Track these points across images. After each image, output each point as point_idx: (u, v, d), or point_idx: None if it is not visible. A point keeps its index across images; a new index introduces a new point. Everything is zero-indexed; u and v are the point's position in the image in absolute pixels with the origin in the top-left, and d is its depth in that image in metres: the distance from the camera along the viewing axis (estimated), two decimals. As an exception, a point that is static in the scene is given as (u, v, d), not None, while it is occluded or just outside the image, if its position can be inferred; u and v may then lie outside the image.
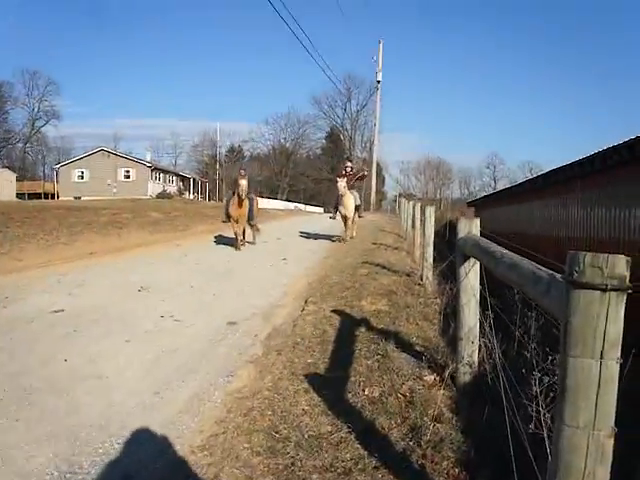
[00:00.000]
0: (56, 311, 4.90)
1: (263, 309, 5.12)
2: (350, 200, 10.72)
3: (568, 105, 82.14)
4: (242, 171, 9.92)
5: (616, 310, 1.16)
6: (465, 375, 2.95)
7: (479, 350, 2.98)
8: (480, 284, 2.99)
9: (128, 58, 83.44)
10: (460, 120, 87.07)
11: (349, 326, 4.28)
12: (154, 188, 36.41)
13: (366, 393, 2.97)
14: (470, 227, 2.92)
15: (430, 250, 6.55)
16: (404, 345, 3.81)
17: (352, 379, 3.19)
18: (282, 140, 61.76)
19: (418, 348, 3.77)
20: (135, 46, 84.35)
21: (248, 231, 10.68)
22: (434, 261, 6.56)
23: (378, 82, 36.27)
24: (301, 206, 49.99)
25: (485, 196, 23.96)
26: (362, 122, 59.10)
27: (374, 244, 10.91)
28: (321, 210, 48.15)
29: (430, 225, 6.73)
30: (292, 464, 2.26)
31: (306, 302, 5.25)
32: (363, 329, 4.18)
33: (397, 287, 5.87)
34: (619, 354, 1.17)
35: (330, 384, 3.14)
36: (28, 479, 2.19)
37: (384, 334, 4.00)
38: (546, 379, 1.87)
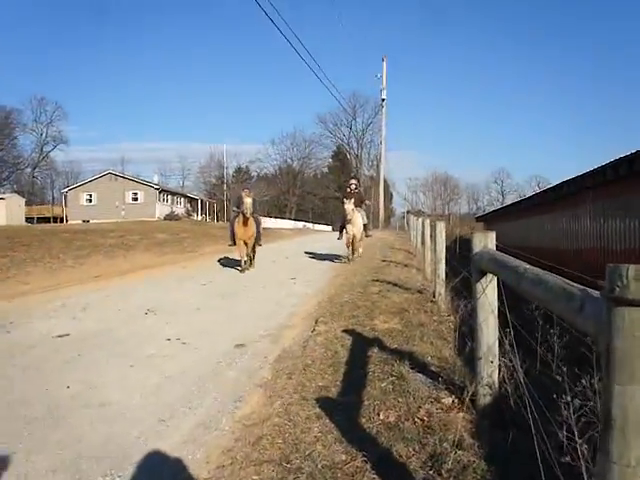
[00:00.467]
0: (60, 335, 4.82)
1: (272, 330, 5.04)
2: (359, 219, 10.65)
3: (575, 118, 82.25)
4: (246, 190, 9.79)
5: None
6: (485, 397, 2.80)
7: (499, 370, 2.84)
8: (498, 300, 2.86)
9: (134, 82, 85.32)
10: (466, 136, 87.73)
11: (361, 346, 4.19)
12: (162, 210, 36.61)
13: (381, 418, 2.82)
14: (486, 241, 2.81)
15: (442, 267, 6.45)
16: (419, 365, 3.67)
17: (366, 403, 3.06)
18: (289, 160, 62.38)
19: (434, 368, 3.63)
20: (142, 69, 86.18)
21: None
22: (446, 277, 6.47)
23: (383, 100, 36.57)
24: (309, 225, 50.09)
25: (494, 210, 23.81)
26: (368, 140, 59.65)
27: (384, 261, 10.89)
28: (330, 229, 48.21)
29: (441, 241, 6.63)
30: (305, 498, 2.12)
31: (316, 322, 5.17)
32: (376, 349, 4.08)
33: (409, 305, 5.82)
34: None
35: (343, 409, 3.01)
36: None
37: (398, 354, 3.88)
38: (577, 403, 1.73)
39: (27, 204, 37.29)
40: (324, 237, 24.60)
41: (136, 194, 37.92)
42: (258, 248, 10.40)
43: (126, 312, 5.93)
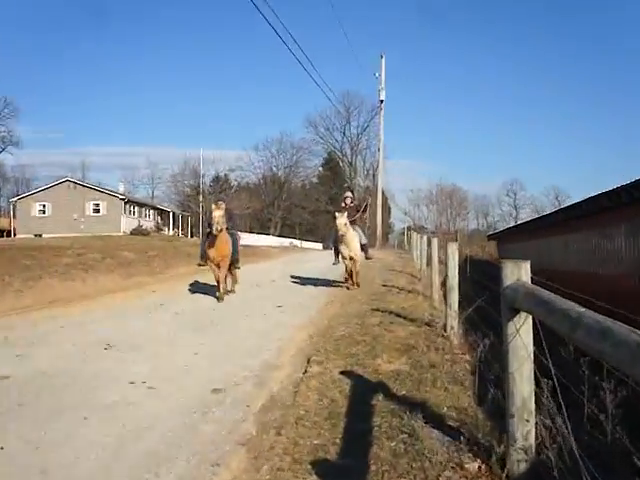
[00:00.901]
0: (-1, 378, 4.55)
1: (256, 371, 4.95)
2: (355, 239, 10.28)
3: (596, 126, 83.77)
4: (219, 202, 9.56)
5: None
6: (520, 464, 2.62)
7: (536, 429, 2.67)
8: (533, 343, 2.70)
9: (99, 76, 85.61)
10: (474, 143, 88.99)
11: (363, 393, 4.09)
12: (128, 223, 36.42)
13: (393, 489, 2.63)
14: (519, 273, 2.66)
15: (455, 295, 6.40)
16: (434, 419, 3.52)
17: (373, 468, 2.88)
18: (274, 168, 62.63)
19: (452, 423, 3.47)
20: (106, 67, 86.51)
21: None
22: (459, 307, 6.40)
23: (381, 101, 36.88)
24: (297, 242, 50.01)
25: (509, 228, 23.89)
26: (364, 146, 60.23)
27: (384, 286, 10.87)
28: (319, 246, 48.09)
29: (454, 265, 6.55)
30: None
31: (309, 362, 5.10)
32: (380, 396, 3.95)
33: (417, 340, 5.76)
34: None
35: (345, 475, 2.82)
36: None
37: (407, 403, 3.77)
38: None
39: (-32, 215, 36.85)
40: (314, 256, 24.51)
41: (98, 205, 37.71)
42: (238, 270, 10.20)
43: (82, 348, 5.73)
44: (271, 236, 51.33)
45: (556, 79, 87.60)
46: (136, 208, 40.47)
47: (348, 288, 10.51)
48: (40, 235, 31.87)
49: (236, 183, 62.78)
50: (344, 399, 3.95)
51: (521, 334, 2.61)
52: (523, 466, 2.61)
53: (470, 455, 2.96)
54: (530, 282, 2.69)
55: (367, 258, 11.35)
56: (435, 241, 9.87)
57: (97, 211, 37.70)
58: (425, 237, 13.08)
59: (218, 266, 9.27)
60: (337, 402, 3.89)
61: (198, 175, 54.15)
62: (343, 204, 11.03)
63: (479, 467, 2.80)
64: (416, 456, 2.98)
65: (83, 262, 12.70)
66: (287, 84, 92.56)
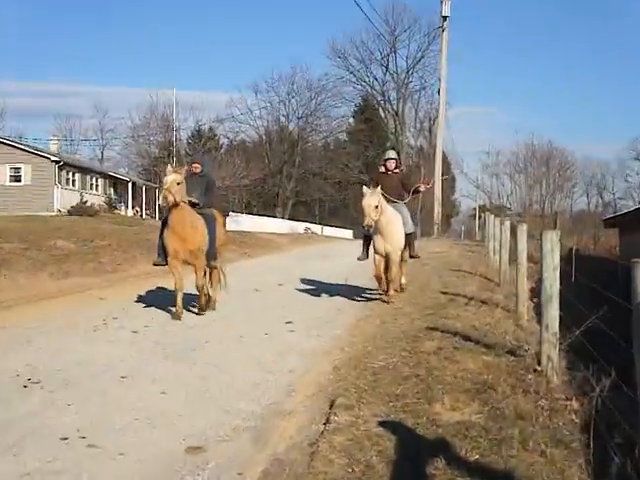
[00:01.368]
0: None
1: (253, 420, 4.97)
2: (395, 227, 10.10)
3: None
4: (193, 164, 9.66)
5: None
6: None
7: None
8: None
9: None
10: (584, 83, 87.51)
11: (414, 456, 4.06)
12: (65, 198, 36.55)
13: None
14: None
15: (554, 310, 6.22)
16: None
17: None
18: (283, 118, 62.61)
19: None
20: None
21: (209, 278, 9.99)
22: (560, 327, 6.21)
23: (444, 19, 36.54)
24: (315, 228, 50.12)
25: (638, 209, 23.39)
26: (416, 87, 59.80)
27: (445, 294, 10.92)
28: (349, 234, 48.14)
29: (552, 265, 6.33)
30: None
31: (332, 406, 5.10)
32: (441, 463, 3.90)
33: (495, 377, 5.71)
34: None
35: None
36: None
37: (483, 475, 3.76)
38: None
39: None
40: (340, 248, 24.50)
41: (18, 170, 37.71)
42: (217, 269, 10.05)
43: None
44: (278, 219, 51.58)
45: None
46: (77, 176, 40.48)
47: (385, 301, 10.42)
48: None
49: (226, 140, 63.06)
50: (385, 466, 3.94)
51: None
52: None
53: None
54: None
55: (411, 256, 11.20)
56: (523, 228, 9.67)
57: (17, 179, 37.35)
58: (507, 222, 12.85)
59: (175, 263, 9.07)
60: (375, 470, 3.89)
61: (170, 128, 54.56)
62: (383, 169, 10.90)
63: None
64: None
65: (-6, 256, 12.84)
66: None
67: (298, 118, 61.95)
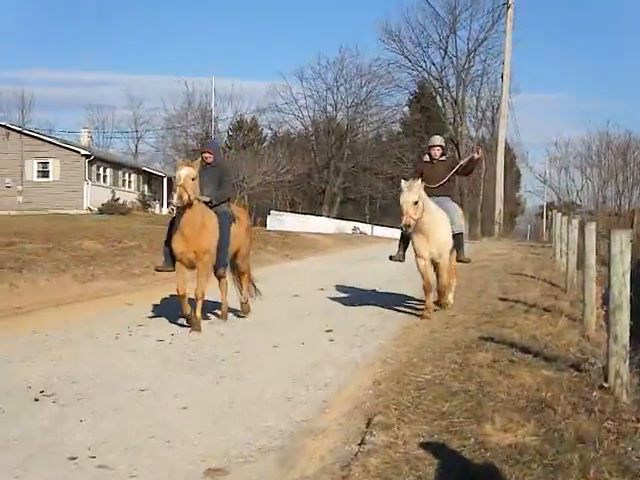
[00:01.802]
0: None
1: (281, 439, 4.98)
2: (440, 226, 9.62)
3: None
4: (204, 154, 9.27)
5: None
6: None
7: None
8: None
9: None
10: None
11: None
12: (96, 195, 37.08)
13: None
14: None
15: (623, 320, 6.07)
16: None
17: None
18: (330, 108, 62.45)
19: None
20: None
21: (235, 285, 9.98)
22: (631, 337, 6.10)
23: (508, -2, 36.14)
24: (365, 227, 50.00)
25: None
26: (477, 73, 59.18)
27: (503, 300, 10.76)
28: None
29: (622, 268, 6.14)
30: None
31: (369, 424, 5.09)
32: None
33: (554, 394, 5.61)
34: None
35: None
36: None
37: None
38: None
39: None
40: (391, 250, 24.21)
41: (46, 165, 38.42)
42: (246, 292, 9.95)
43: (3, 394, 5.84)
44: (324, 217, 51.57)
45: None
46: (109, 171, 41.13)
47: (422, 316, 9.70)
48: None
49: (269, 132, 63.07)
50: (423, 494, 3.89)
51: None
52: None
53: None
54: None
55: (459, 260, 10.54)
56: (592, 227, 9.40)
57: (45, 174, 38.18)
58: (575, 221, 12.56)
59: (181, 267, 8.83)
60: (411, 499, 3.84)
61: (207, 118, 54.87)
62: (427, 157, 10.42)
63: None
64: None
65: (16, 257, 12.90)
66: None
67: (347, 107, 61.67)
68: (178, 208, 8.39)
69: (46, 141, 39.45)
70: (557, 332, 8.18)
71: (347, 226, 47.75)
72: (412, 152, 56.11)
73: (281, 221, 41.76)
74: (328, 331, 8.74)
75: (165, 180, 45.15)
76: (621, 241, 6.25)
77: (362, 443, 4.67)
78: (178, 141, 57.85)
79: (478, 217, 52.54)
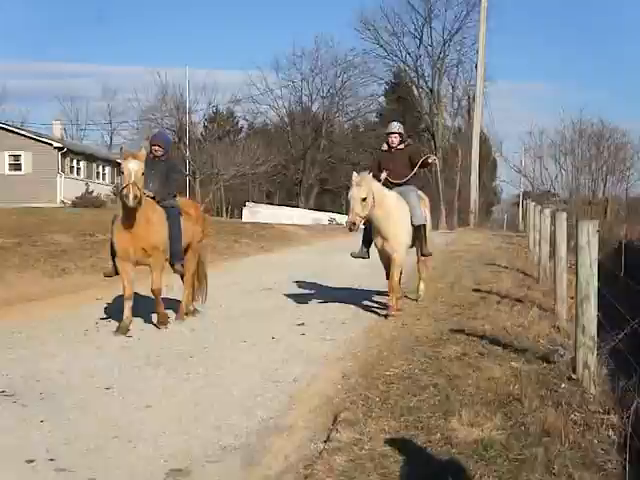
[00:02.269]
0: None
1: (246, 437, 4.96)
2: (395, 220, 9.08)
3: None
4: (154, 146, 8.77)
5: None
6: None
7: None
8: None
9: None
10: (636, 58, 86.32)
11: None
12: (69, 188, 36.79)
13: None
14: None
15: (591, 309, 6.10)
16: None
17: None
18: (306, 98, 62.36)
19: None
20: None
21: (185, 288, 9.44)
22: (599, 328, 6.19)
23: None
24: (342, 218, 49.90)
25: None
26: (453, 62, 59.26)
27: (477, 291, 10.99)
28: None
29: (589, 259, 6.16)
30: None
31: (336, 421, 5.08)
32: None
33: (522, 386, 5.65)
34: None
35: None
36: None
37: None
38: None
39: None
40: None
41: (18, 158, 38.12)
42: (198, 293, 9.71)
43: None
44: (301, 209, 51.55)
45: None
46: (82, 163, 40.92)
47: (386, 316, 9.20)
48: None
49: (245, 123, 62.98)
50: (392, 494, 3.86)
51: None
52: None
53: None
54: None
55: (423, 254, 10.08)
56: (562, 216, 9.41)
57: (17, 167, 37.95)
58: (547, 210, 12.61)
59: (131, 265, 8.36)
60: (374, 498, 3.82)
61: (181, 110, 54.63)
62: (385, 146, 10.10)
63: None
64: None
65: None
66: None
67: (323, 97, 61.75)
68: (126, 207, 7.81)
69: (18, 133, 39.25)
70: (528, 323, 8.27)
71: (324, 217, 47.77)
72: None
73: (257, 213, 41.78)
74: (299, 325, 8.77)
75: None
76: (588, 231, 6.28)
77: (327, 441, 4.68)
78: (152, 133, 57.49)
79: (454, 207, 52.71)
